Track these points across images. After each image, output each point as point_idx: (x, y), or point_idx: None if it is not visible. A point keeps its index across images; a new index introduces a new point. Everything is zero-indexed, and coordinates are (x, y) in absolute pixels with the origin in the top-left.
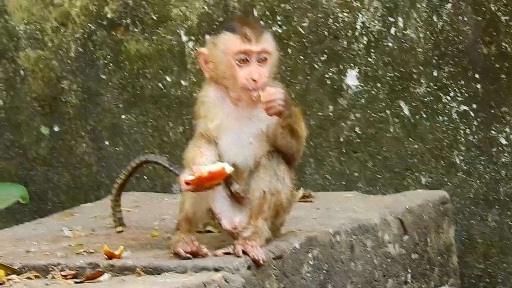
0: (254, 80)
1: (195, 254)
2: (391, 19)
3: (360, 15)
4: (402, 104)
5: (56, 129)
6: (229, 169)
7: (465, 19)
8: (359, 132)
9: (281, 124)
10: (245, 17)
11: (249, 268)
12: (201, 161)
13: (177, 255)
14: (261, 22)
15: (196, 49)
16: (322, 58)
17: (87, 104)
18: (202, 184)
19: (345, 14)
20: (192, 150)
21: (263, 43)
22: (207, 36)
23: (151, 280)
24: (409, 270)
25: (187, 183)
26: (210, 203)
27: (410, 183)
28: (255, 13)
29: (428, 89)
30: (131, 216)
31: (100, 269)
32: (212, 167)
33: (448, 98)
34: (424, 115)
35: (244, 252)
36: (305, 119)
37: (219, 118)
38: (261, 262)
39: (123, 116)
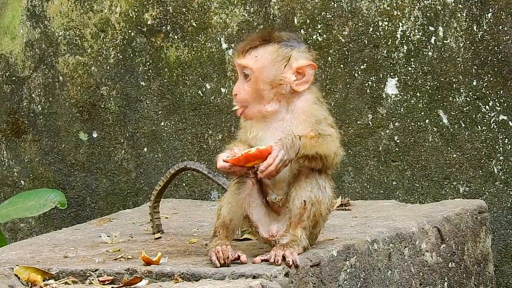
0: (235, 95)
1: (229, 263)
2: (431, 28)
3: (400, 24)
4: (441, 113)
5: (94, 135)
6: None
7: (505, 28)
8: (398, 141)
9: (297, 161)
10: (260, 31)
11: (286, 275)
12: (242, 148)
13: (212, 262)
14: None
15: None
16: (362, 67)
17: (126, 110)
18: (244, 163)
19: (385, 23)
20: (236, 143)
21: (246, 58)
22: None
23: (189, 287)
24: (446, 279)
25: (225, 161)
26: (247, 211)
27: (448, 192)
28: (295, 21)
29: (467, 98)
30: (170, 223)
31: (138, 275)
32: (260, 147)
33: (487, 107)
34: (463, 125)
35: (283, 259)
36: (341, 129)
37: (255, 130)
38: (297, 264)
39: (162, 123)
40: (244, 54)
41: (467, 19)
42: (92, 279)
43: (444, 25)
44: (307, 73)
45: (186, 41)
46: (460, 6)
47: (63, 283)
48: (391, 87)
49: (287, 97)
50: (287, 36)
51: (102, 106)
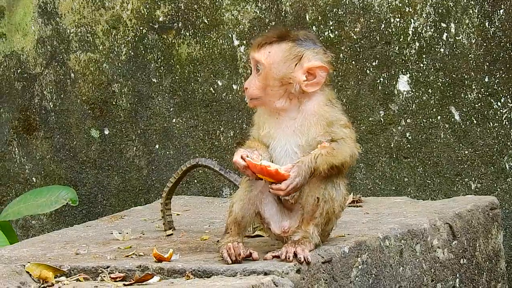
0: (246, 89)
1: (241, 260)
2: (443, 25)
3: (412, 20)
4: (453, 109)
5: (106, 132)
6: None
7: None
8: (410, 138)
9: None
10: (279, 28)
11: (298, 271)
12: (264, 156)
13: (223, 259)
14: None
15: (247, 54)
16: (374, 63)
17: (137, 107)
18: (257, 172)
19: (397, 19)
20: (252, 142)
21: (259, 53)
22: None
23: (201, 283)
24: (458, 275)
25: (243, 159)
26: (259, 207)
27: (459, 188)
28: (307, 17)
29: (479, 95)
30: (181, 220)
31: (149, 272)
32: (280, 169)
33: (499, 104)
34: (475, 121)
35: (294, 256)
36: (352, 126)
37: (267, 127)
38: (309, 260)
39: (174, 120)
40: (259, 49)
41: (479, 16)
42: (104, 276)
43: (456, 21)
44: (318, 74)
45: (197, 38)
46: (472, 2)
47: (74, 280)
48: (403, 84)
49: (298, 97)
50: (304, 35)
51: (114, 103)
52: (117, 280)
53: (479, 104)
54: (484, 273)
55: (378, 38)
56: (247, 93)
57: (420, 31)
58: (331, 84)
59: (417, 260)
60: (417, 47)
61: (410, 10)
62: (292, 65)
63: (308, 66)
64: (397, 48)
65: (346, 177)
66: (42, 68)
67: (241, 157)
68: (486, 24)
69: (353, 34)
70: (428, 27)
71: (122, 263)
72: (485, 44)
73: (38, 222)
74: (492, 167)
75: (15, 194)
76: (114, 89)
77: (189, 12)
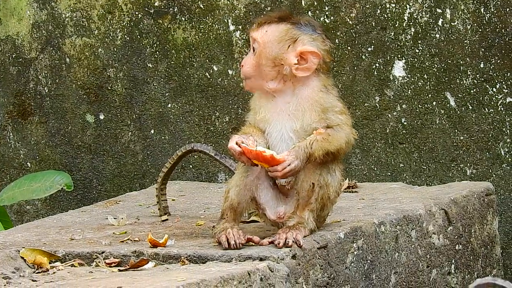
0: (242, 66)
1: (239, 246)
2: (439, 11)
3: (408, 6)
4: (448, 95)
5: (101, 117)
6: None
7: None
8: (405, 123)
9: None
10: (283, 10)
11: (293, 257)
12: (259, 141)
13: (220, 244)
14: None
15: (243, 39)
16: (369, 49)
17: (133, 92)
18: (253, 158)
19: (393, 5)
20: (248, 127)
21: (257, 31)
22: None
23: (196, 269)
24: (453, 261)
25: (238, 145)
26: (255, 193)
27: (455, 174)
28: (303, 3)
29: (475, 80)
30: (176, 205)
31: (144, 258)
32: (276, 155)
33: (494, 90)
34: (470, 107)
35: (285, 244)
36: (350, 111)
37: (263, 111)
38: (300, 244)
39: (169, 105)
40: (258, 27)
41: (475, 1)
42: (99, 262)
43: (452, 7)
44: (310, 60)
45: (193, 23)
46: None
47: (69, 265)
48: (398, 69)
49: (292, 80)
50: (306, 21)
51: (109, 88)
52: (112, 265)
53: (474, 90)
54: (480, 259)
55: (373, 23)
56: (242, 70)
57: (415, 16)
58: (329, 72)
59: (412, 246)
60: (412, 33)
61: None
62: (285, 47)
63: (301, 50)
64: (392, 33)
65: (342, 162)
66: (37, 52)
67: (236, 143)
68: (482, 10)
69: (348, 20)
70: (423, 13)
71: (117, 248)
72: (480, 30)
73: (33, 207)
74: (487, 153)
75: (10, 179)
76: (110, 74)
77: None
